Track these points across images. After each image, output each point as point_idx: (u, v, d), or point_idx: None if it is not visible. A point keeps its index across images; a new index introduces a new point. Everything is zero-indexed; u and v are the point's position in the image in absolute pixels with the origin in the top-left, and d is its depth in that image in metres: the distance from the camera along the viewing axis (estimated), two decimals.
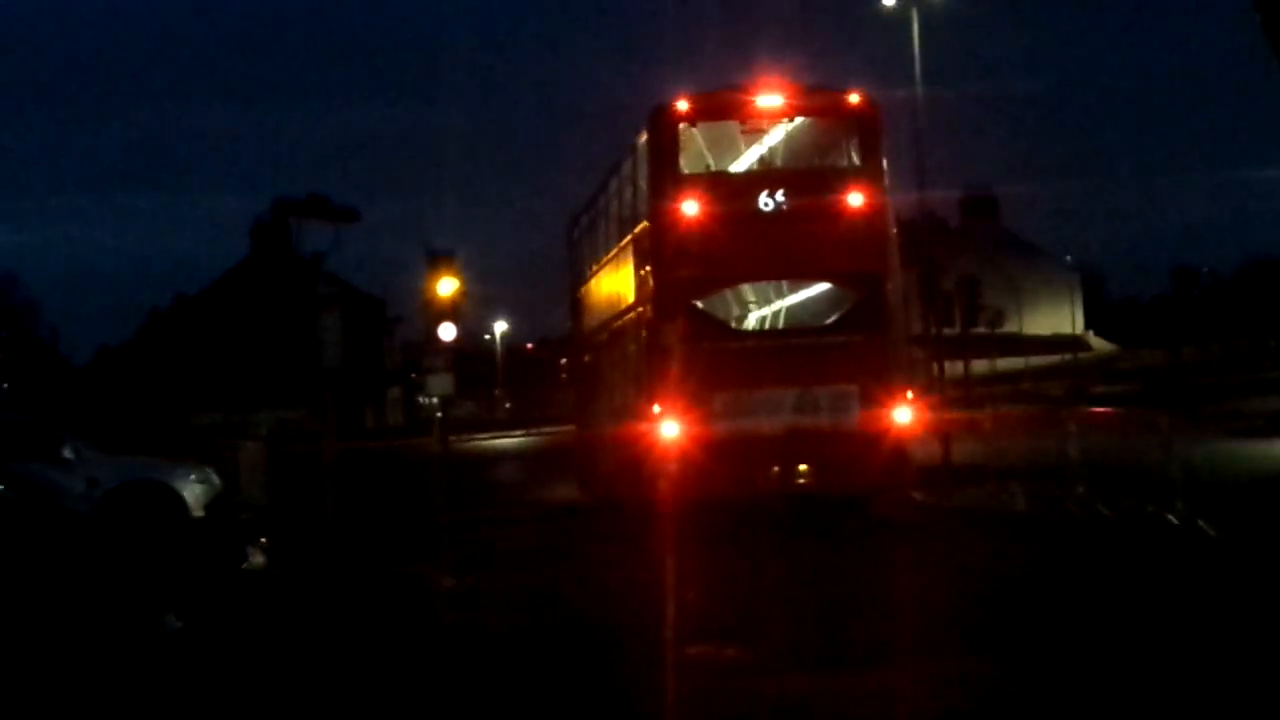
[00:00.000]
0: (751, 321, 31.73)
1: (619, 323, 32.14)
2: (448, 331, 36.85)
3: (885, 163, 28.63)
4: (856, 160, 28.49)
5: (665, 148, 28.03)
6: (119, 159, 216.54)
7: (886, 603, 18.86)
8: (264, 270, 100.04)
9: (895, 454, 27.42)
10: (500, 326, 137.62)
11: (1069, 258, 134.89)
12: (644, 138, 28.81)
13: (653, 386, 27.72)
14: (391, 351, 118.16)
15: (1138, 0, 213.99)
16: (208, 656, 16.00)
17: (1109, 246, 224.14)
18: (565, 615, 19.02)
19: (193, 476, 30.78)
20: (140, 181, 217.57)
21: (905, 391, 28.31)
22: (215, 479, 31.39)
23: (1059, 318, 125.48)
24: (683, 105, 27.98)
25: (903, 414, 27.56)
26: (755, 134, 29.95)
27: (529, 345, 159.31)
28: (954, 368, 72.98)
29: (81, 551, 24.56)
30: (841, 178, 28.42)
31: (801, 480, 27.35)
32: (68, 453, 29.70)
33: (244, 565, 21.69)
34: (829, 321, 28.95)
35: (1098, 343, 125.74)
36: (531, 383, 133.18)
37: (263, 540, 22.91)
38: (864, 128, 28.52)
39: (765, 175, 29.53)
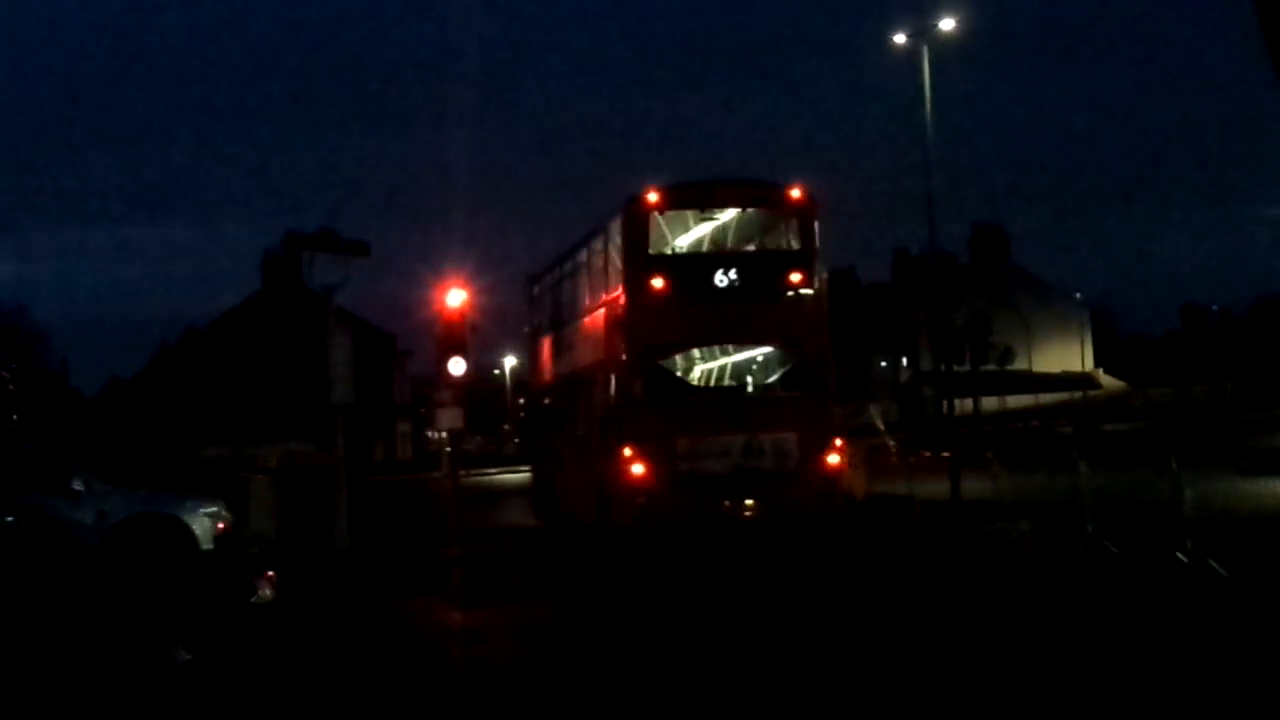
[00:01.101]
0: (696, 375, 35.55)
1: (587, 374, 35.72)
2: (457, 366, 36.91)
3: (819, 245, 32.65)
4: (795, 244, 32.79)
5: (637, 232, 32.23)
6: (129, 192, 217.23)
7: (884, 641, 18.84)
8: (274, 304, 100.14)
9: (827, 491, 31.87)
10: (510, 362, 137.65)
11: (1079, 295, 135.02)
12: (618, 221, 32.74)
13: (623, 432, 31.83)
14: (401, 386, 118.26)
15: (1148, 36, 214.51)
16: (216, 689, 16.00)
17: (1119, 283, 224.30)
18: (571, 649, 19.03)
19: (202, 509, 30.78)
20: (151, 214, 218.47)
21: (834, 439, 32.59)
22: (224, 512, 31.40)
23: (1069, 355, 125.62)
24: (653, 197, 32.19)
25: (832, 457, 31.99)
26: (710, 218, 34.33)
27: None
28: (964, 404, 72.80)
29: (90, 583, 24.58)
30: (783, 259, 32.77)
31: (748, 513, 31.33)
32: (77, 485, 29.71)
33: (253, 598, 21.65)
34: (770, 380, 33.69)
35: (1107, 380, 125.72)
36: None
37: (271, 573, 22.86)
38: (802, 216, 32.68)
39: (719, 256, 33.56)
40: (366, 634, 20.43)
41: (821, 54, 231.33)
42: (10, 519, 27.57)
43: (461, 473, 44.35)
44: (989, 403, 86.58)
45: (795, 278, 32.03)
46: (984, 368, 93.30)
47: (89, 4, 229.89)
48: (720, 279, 32.03)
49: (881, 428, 60.67)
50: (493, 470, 78.43)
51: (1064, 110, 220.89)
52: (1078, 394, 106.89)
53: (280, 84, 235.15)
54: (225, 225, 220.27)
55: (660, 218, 32.85)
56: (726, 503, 31.05)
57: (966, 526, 31.45)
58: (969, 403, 71.76)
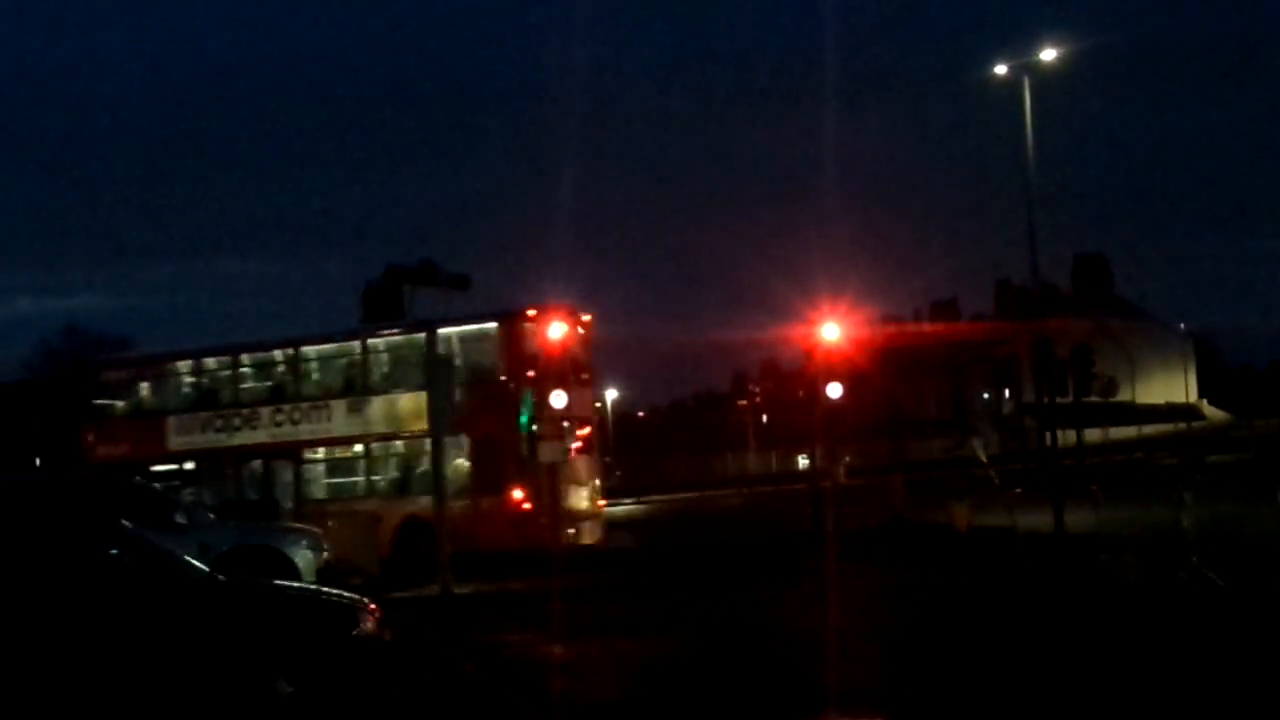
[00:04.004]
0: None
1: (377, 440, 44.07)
2: (559, 399, 37.01)
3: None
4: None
5: (519, 337, 41.90)
6: (230, 226, 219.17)
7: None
8: None
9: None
10: (611, 394, 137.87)
11: (1183, 325, 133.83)
12: (497, 326, 42.41)
13: (510, 480, 41.23)
14: None
15: (1252, 61, 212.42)
16: None
17: (1224, 314, 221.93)
18: (675, 684, 18.96)
19: (304, 542, 30.87)
20: (252, 247, 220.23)
21: None
22: (326, 544, 31.48)
23: (1173, 386, 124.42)
24: (531, 313, 41.89)
25: None
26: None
27: (640, 414, 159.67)
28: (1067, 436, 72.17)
29: (193, 615, 24.64)
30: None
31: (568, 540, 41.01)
32: (180, 518, 29.81)
33: (355, 631, 21.70)
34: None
35: (1212, 411, 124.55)
36: (642, 451, 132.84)
37: (374, 606, 22.91)
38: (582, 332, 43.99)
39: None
40: (467, 667, 20.44)
41: (925, 84, 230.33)
42: (114, 552, 27.77)
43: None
44: (1092, 434, 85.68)
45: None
46: (1087, 399, 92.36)
47: (188, 42, 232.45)
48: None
49: (984, 460, 60.33)
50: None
51: (1167, 139, 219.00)
52: (1182, 425, 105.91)
53: (381, 118, 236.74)
54: (326, 258, 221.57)
55: (530, 326, 41.80)
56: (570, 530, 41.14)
57: (1069, 558, 31.19)
58: (1072, 434, 71.07)
